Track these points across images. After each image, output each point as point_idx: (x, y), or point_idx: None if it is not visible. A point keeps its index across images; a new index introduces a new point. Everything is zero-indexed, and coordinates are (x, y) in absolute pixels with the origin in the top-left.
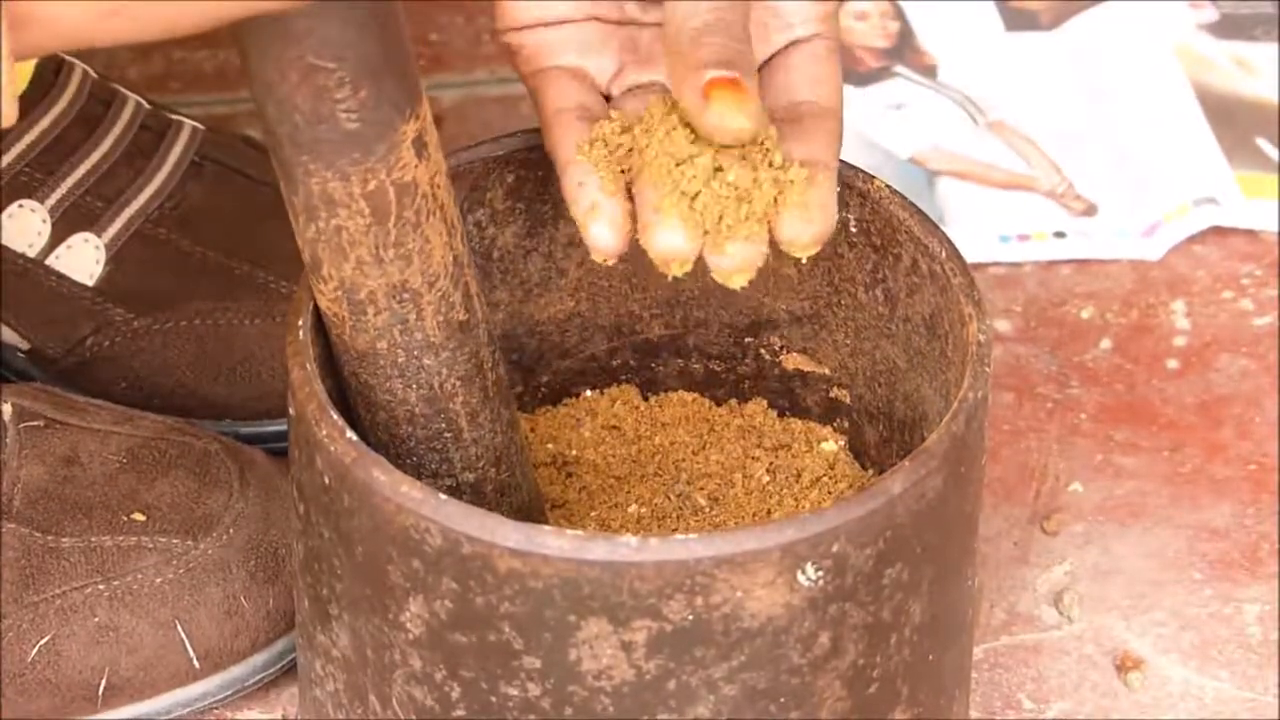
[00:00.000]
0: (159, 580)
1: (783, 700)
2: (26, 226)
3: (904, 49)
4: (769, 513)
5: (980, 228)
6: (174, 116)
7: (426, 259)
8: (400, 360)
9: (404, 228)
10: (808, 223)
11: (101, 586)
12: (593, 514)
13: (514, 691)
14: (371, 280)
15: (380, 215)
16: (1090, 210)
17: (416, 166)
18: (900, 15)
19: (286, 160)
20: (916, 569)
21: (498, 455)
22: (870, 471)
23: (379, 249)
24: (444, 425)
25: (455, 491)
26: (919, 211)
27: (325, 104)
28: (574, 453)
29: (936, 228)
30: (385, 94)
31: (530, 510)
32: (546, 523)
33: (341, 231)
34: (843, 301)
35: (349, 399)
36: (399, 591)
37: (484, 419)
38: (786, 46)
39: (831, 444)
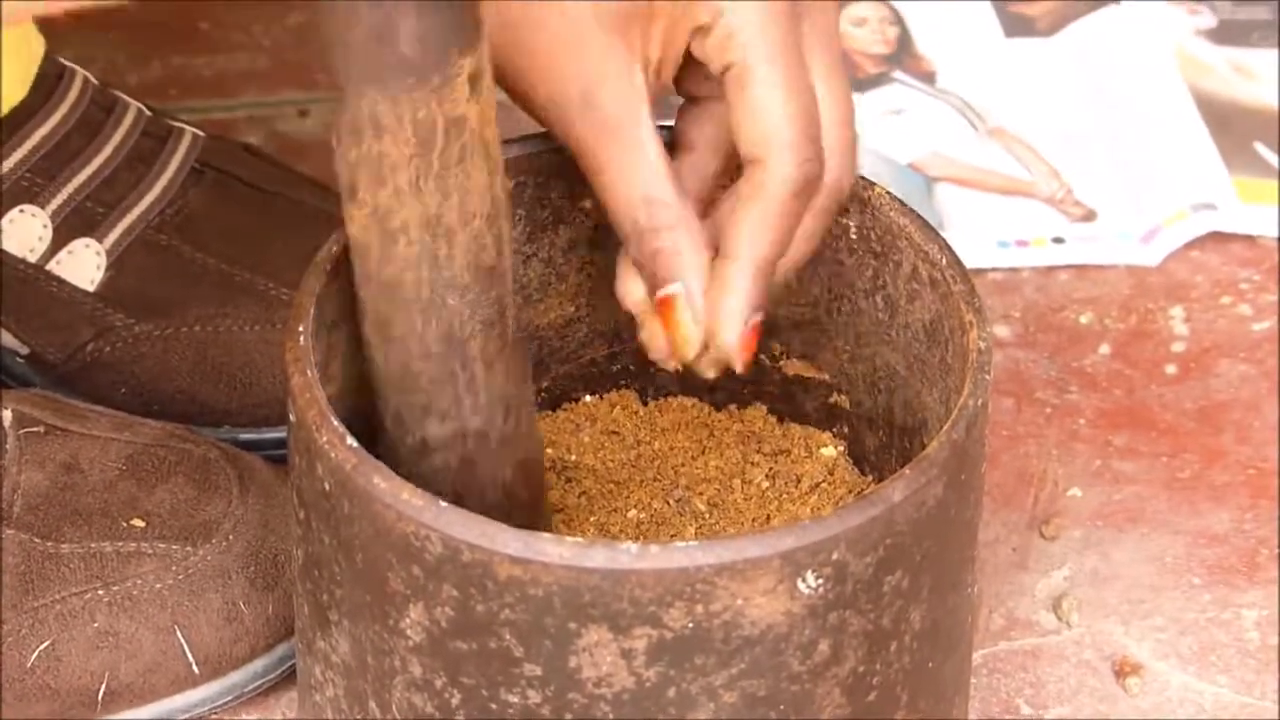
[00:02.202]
0: (158, 586)
1: (782, 707)
2: (28, 232)
3: (903, 55)
4: (768, 518)
5: (979, 233)
6: (174, 123)
7: (465, 196)
8: (425, 296)
9: (447, 161)
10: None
11: (101, 592)
12: (592, 519)
13: (514, 699)
14: (406, 209)
15: (425, 145)
16: (1089, 216)
17: (468, 102)
18: (899, 21)
19: (342, 77)
20: (916, 576)
21: (507, 406)
22: (869, 477)
23: (419, 179)
24: (458, 367)
25: (461, 437)
26: (919, 218)
27: (388, 26)
28: (573, 457)
29: (937, 234)
30: (447, 25)
31: (530, 467)
32: (543, 492)
33: (384, 157)
34: (842, 308)
35: (362, 327)
36: (399, 598)
37: (499, 367)
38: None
39: (831, 449)
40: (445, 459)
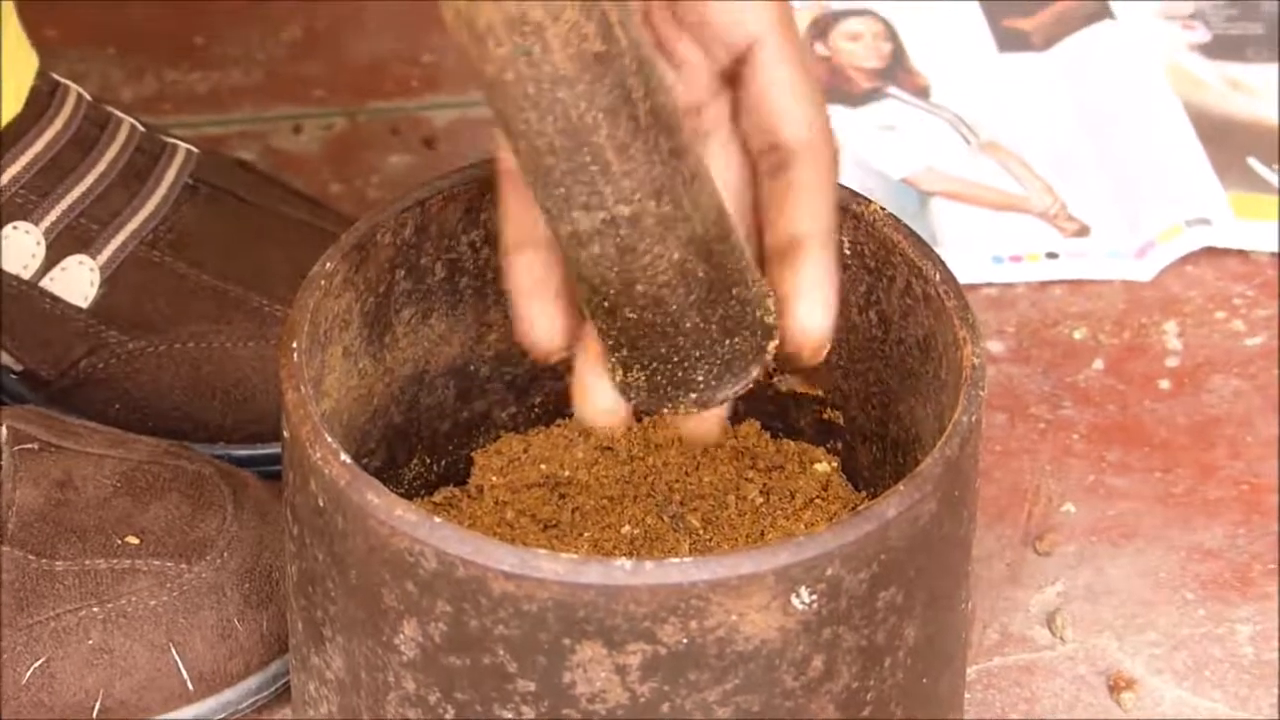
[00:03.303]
0: (153, 603)
1: None
2: (21, 248)
3: (896, 70)
4: (762, 534)
5: (973, 249)
6: (168, 139)
7: None
8: (531, 92)
9: None
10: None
11: (96, 609)
12: (586, 535)
13: (508, 714)
14: (488, 13)
15: None
16: (1083, 231)
17: None
18: (892, 36)
19: None
20: (910, 592)
21: (657, 188)
22: (864, 492)
23: None
24: (588, 158)
25: (611, 225)
26: (913, 234)
27: None
28: (567, 474)
29: (931, 251)
30: None
31: (707, 242)
32: (740, 256)
33: None
34: (836, 323)
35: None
36: (393, 614)
37: (636, 151)
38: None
39: (825, 465)
40: (602, 248)
